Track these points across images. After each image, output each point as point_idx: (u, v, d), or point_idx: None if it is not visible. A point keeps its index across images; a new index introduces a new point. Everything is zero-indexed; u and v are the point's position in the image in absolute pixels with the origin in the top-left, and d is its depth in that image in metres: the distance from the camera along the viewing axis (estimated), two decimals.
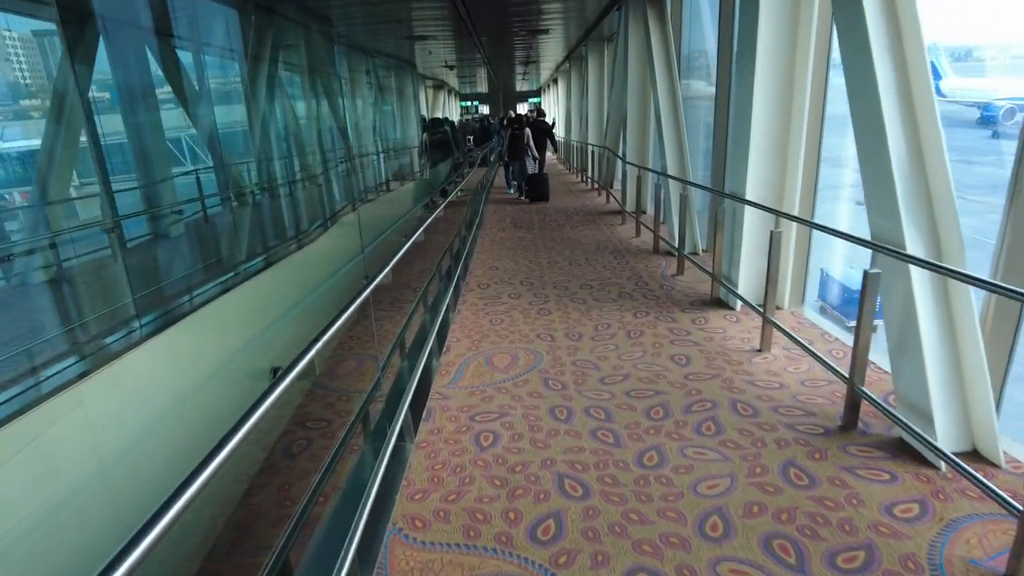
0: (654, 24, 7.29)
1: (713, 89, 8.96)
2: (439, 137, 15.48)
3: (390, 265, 3.44)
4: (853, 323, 2.84)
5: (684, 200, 5.60)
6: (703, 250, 6.58)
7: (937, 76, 13.38)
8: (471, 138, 20.91)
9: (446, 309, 4.62)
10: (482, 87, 29.12)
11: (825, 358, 3.29)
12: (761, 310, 3.95)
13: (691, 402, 3.22)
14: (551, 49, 15.51)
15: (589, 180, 12.96)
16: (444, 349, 4.07)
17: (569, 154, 17.14)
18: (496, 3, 9.51)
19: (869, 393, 2.81)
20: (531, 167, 11.09)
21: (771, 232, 3.59)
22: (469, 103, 33.26)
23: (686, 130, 6.94)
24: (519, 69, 21.02)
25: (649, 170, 7.45)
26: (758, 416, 3.03)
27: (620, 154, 9.95)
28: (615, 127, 10.68)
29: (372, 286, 2.77)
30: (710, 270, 5.01)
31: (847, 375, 2.88)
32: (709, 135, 6.96)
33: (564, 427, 3.03)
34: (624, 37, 8.81)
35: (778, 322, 3.79)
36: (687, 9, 7.74)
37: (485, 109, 32.61)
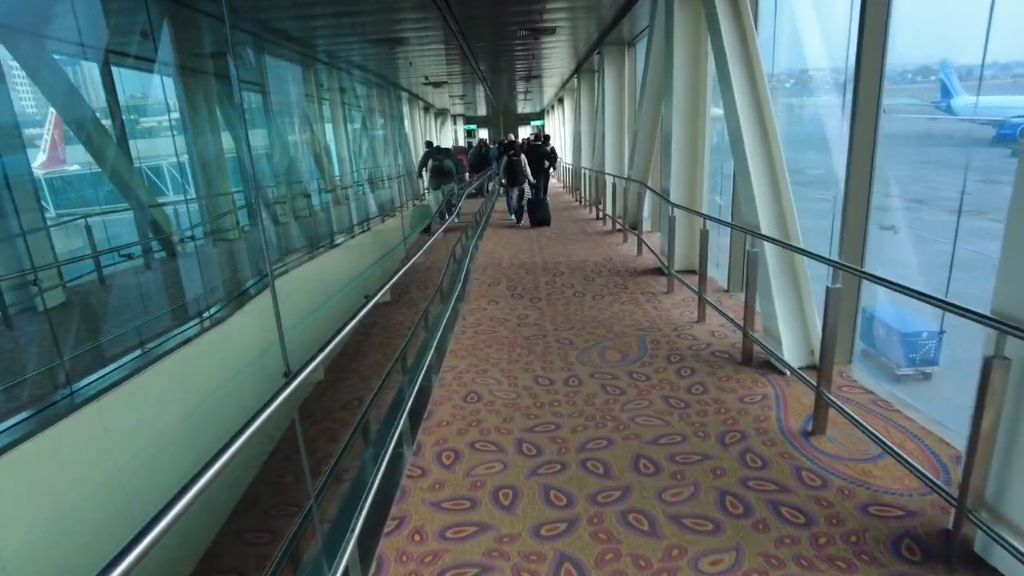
0: (725, 12, 4.73)
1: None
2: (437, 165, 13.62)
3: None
4: None
5: (835, 298, 2.93)
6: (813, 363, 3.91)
7: (948, 95, 13.04)
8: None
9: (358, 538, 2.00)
10: (480, 110, 26.88)
11: None
12: None
13: None
14: (556, 60, 13.10)
15: (606, 217, 10.39)
16: None
17: (579, 183, 14.63)
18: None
19: None
20: (528, 192, 10.87)
21: None
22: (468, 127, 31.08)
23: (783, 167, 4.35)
24: (520, 86, 18.67)
25: (736, 228, 4.77)
26: None
27: (658, 190, 7.37)
28: (644, 153, 8.14)
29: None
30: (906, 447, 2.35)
31: None
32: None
33: None
34: (665, 33, 6.31)
35: None
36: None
37: (484, 133, 30.49)
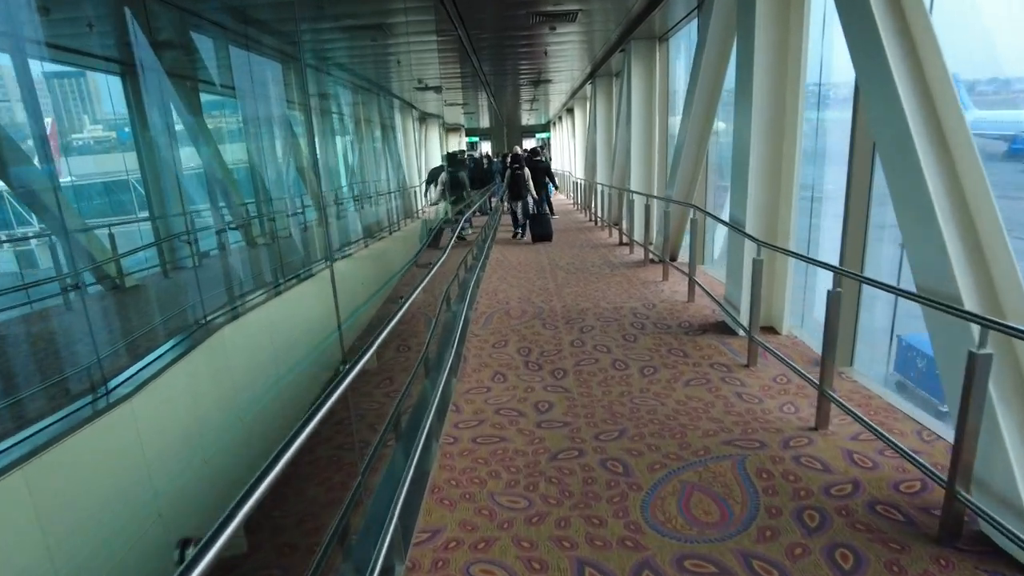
0: None
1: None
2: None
3: None
4: None
5: None
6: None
7: None
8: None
9: None
10: (483, 121, 25.38)
11: None
12: None
13: None
14: (568, 60, 11.50)
15: (634, 244, 8.71)
16: None
17: (591, 201, 12.97)
18: None
19: None
20: (532, 206, 10.64)
21: None
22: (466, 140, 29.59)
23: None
24: (525, 94, 17.11)
25: (965, 316, 2.72)
26: None
27: (714, 215, 5.65)
28: (690, 169, 6.46)
29: None
30: None
31: None
32: None
33: None
34: (739, 16, 4.67)
35: None
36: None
37: (487, 146, 29.04)
